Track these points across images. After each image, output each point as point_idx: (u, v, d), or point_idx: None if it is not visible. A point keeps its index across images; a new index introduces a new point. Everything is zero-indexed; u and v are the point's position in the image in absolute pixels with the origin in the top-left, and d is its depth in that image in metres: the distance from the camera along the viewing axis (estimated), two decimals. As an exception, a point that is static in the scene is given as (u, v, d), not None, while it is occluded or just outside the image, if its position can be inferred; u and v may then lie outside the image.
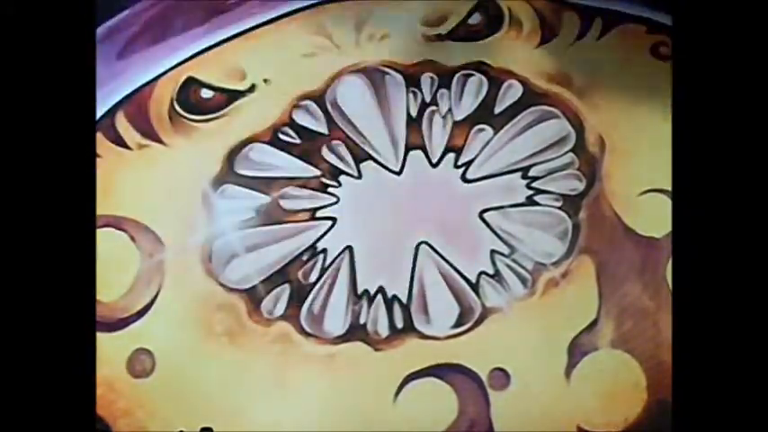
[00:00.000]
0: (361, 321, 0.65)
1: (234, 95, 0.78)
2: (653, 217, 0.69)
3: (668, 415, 0.59)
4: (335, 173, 0.73)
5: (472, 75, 0.79)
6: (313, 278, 0.68)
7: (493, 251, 0.68)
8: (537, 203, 0.71)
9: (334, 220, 0.71)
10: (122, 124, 0.77)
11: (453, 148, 0.74)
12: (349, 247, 0.68)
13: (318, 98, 0.78)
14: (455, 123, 0.76)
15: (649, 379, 0.61)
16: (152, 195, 0.73)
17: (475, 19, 0.84)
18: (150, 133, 0.77)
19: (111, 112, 0.78)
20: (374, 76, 0.79)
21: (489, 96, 0.78)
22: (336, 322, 0.65)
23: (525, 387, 0.62)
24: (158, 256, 0.69)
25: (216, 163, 0.74)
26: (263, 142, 0.75)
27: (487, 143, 0.74)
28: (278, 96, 0.78)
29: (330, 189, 0.73)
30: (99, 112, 0.77)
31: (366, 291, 0.67)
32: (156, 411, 0.62)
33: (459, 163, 0.73)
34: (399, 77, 0.79)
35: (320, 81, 0.79)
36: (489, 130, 0.75)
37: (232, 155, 0.75)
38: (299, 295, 0.67)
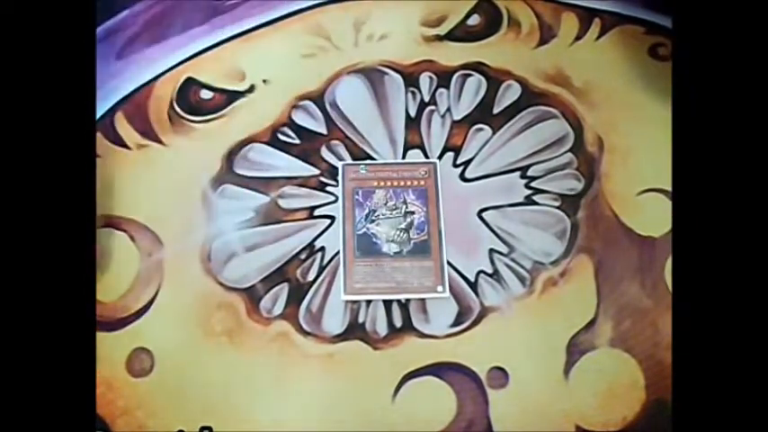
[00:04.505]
0: (360, 320, 0.66)
1: (233, 96, 0.79)
2: (651, 217, 0.69)
3: (667, 414, 0.60)
4: (334, 172, 0.73)
5: (471, 75, 0.79)
6: (311, 277, 0.68)
7: (491, 250, 0.69)
8: (535, 203, 0.71)
9: (332, 218, 0.71)
10: (122, 124, 0.77)
11: (452, 148, 0.75)
12: (348, 246, 0.69)
13: (317, 98, 0.78)
14: (454, 123, 0.76)
15: (648, 378, 0.61)
16: (151, 195, 0.73)
17: (474, 20, 0.84)
18: (150, 133, 0.77)
19: (111, 112, 0.78)
20: (373, 76, 0.79)
21: (488, 96, 0.78)
22: (335, 321, 0.66)
23: (524, 386, 0.62)
24: (158, 256, 0.69)
25: (215, 163, 0.74)
26: (263, 142, 0.75)
27: (486, 143, 0.75)
28: (277, 97, 0.78)
29: (329, 188, 0.73)
30: (98, 112, 0.77)
31: (365, 290, 0.67)
32: (156, 410, 0.62)
33: (458, 162, 0.74)
34: (398, 77, 0.79)
35: (319, 81, 0.79)
36: (488, 130, 0.75)
37: (231, 155, 0.75)
38: (297, 294, 0.67)
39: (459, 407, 0.61)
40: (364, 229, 0.68)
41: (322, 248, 0.69)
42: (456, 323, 0.64)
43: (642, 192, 0.70)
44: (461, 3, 0.85)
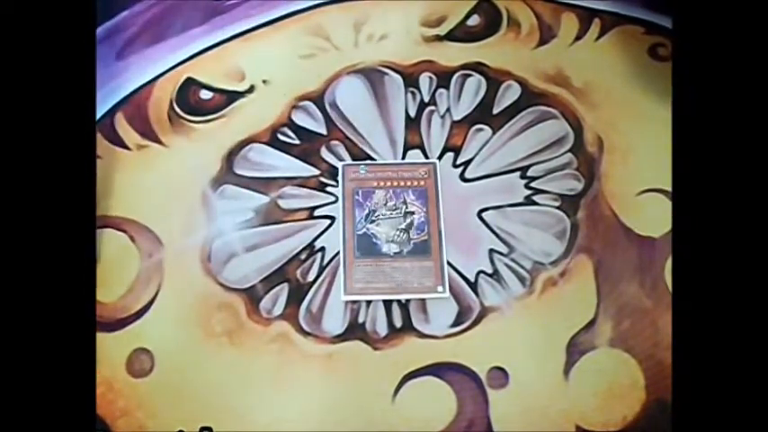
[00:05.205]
0: (360, 320, 0.66)
1: (233, 96, 0.79)
2: (651, 217, 0.69)
3: (667, 414, 0.60)
4: (334, 172, 0.73)
5: (471, 75, 0.79)
6: (311, 277, 0.68)
7: (491, 250, 0.69)
8: (535, 203, 0.71)
9: (332, 218, 0.71)
10: (122, 125, 0.77)
11: (452, 148, 0.75)
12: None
13: (317, 99, 0.78)
14: (454, 123, 0.76)
15: (648, 378, 0.61)
16: (151, 196, 0.73)
17: (473, 20, 0.84)
18: (149, 134, 0.77)
19: (111, 113, 0.78)
20: (373, 76, 0.79)
21: (488, 97, 0.78)
22: (335, 321, 0.66)
23: (524, 386, 0.62)
24: (158, 257, 0.69)
25: (215, 163, 0.74)
26: (262, 143, 0.75)
27: (486, 143, 0.75)
28: (277, 97, 0.78)
29: (329, 188, 0.73)
30: (98, 113, 0.77)
31: (365, 290, 0.67)
32: (156, 411, 0.62)
33: (458, 162, 0.74)
34: (398, 78, 0.79)
35: (319, 82, 0.79)
36: (488, 130, 0.75)
37: (231, 155, 0.75)
38: (297, 294, 0.67)
39: (459, 407, 0.61)
40: (364, 230, 0.68)
41: (322, 249, 0.69)
42: (456, 323, 0.64)
43: (642, 192, 0.70)
44: (461, 3, 0.85)
